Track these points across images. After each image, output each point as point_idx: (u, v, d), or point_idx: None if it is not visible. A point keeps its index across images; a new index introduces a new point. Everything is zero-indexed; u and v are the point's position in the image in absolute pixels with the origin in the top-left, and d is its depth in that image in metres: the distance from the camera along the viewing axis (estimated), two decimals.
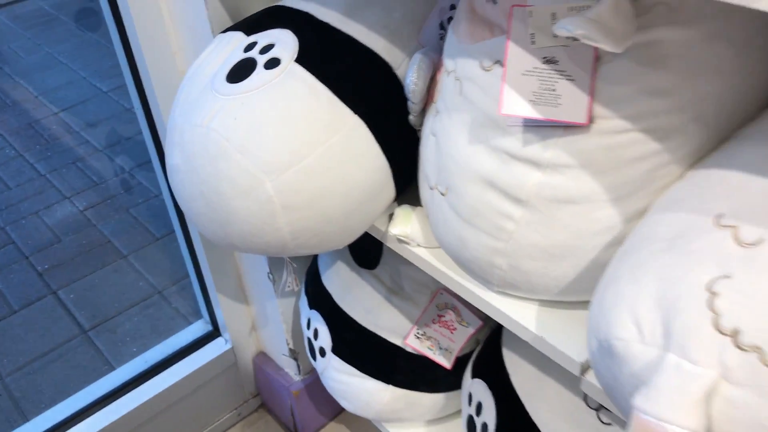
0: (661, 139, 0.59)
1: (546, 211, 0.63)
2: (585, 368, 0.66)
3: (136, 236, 1.96)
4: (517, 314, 0.71)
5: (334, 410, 1.44)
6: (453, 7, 0.81)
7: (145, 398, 1.30)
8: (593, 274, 0.62)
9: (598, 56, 0.58)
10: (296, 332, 1.27)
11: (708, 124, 0.60)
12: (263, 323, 1.34)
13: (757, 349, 0.45)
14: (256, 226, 0.77)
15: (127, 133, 2.34)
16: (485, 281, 0.72)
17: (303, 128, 0.73)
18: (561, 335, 0.68)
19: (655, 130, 0.58)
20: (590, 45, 0.55)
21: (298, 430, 1.40)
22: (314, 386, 1.35)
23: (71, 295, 1.79)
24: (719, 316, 0.47)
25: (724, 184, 0.54)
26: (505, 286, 0.70)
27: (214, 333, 1.38)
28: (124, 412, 1.28)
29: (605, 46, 0.53)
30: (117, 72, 2.65)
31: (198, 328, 1.41)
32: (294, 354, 1.30)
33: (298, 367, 1.32)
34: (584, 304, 0.65)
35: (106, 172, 2.21)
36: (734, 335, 0.46)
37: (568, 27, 0.53)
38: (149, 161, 2.23)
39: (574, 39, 0.55)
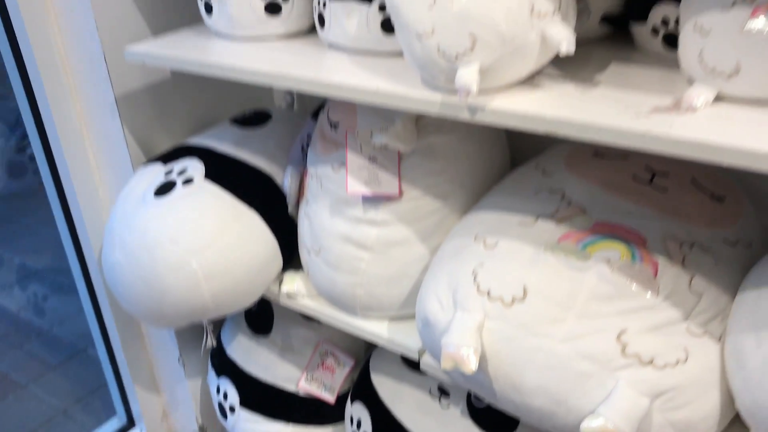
0: (442, 200, 0.98)
1: (384, 252, 1.00)
2: (421, 353, 1.01)
3: (33, 366, 2.11)
4: (375, 329, 1.05)
5: None
6: (309, 136, 1.19)
7: None
8: (417, 291, 0.99)
9: (400, 155, 0.97)
10: (203, 409, 1.52)
11: (468, 189, 1.01)
12: (174, 408, 1.57)
13: (500, 299, 0.82)
14: (184, 296, 1.06)
15: (15, 277, 2.49)
16: (352, 309, 1.06)
17: (215, 220, 1.06)
18: (403, 337, 1.03)
19: (437, 195, 0.98)
20: (393, 148, 0.95)
21: None
22: None
23: None
24: (479, 284, 0.83)
25: (479, 219, 0.94)
26: (365, 310, 1.05)
27: (129, 425, 1.59)
28: None
29: (401, 149, 0.93)
30: None
31: (113, 424, 1.60)
32: (203, 429, 1.53)
33: None
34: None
35: None
36: (488, 293, 0.83)
37: (379, 139, 0.93)
38: (35, 301, 2.39)
39: (384, 146, 0.95)
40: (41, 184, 1.37)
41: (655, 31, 0.84)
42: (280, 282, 1.15)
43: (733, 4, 0.67)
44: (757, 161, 0.61)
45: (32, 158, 1.37)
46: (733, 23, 0.67)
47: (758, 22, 0.66)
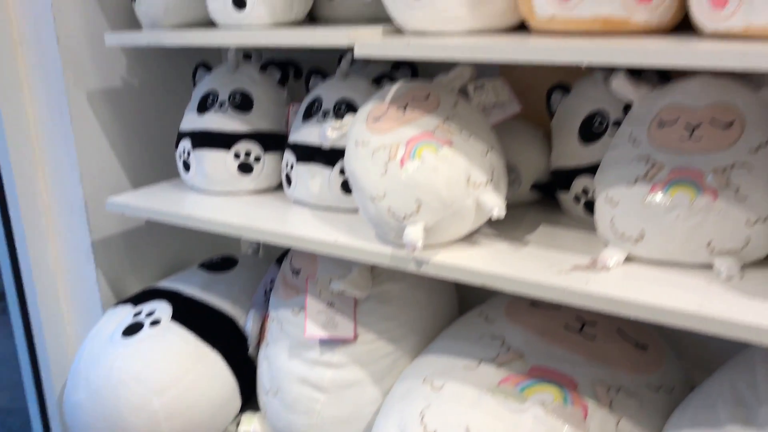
0: (395, 343, 1.06)
1: (338, 393, 1.06)
2: None
3: None
4: None
5: None
6: (273, 281, 1.27)
7: None
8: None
9: (356, 301, 1.06)
10: None
11: (419, 333, 1.09)
12: None
13: None
14: None
15: None
16: None
17: (178, 361, 1.12)
18: None
19: (390, 339, 1.06)
20: (350, 294, 1.04)
21: None
22: None
23: None
24: (426, 425, 0.90)
25: (428, 362, 1.01)
26: None
27: None
28: None
29: (356, 295, 1.02)
30: None
31: None
32: None
33: None
34: None
35: None
36: None
37: (336, 286, 1.02)
38: None
39: (342, 292, 1.04)
40: (6, 322, 1.41)
41: (577, 198, 0.97)
42: (238, 423, 1.19)
43: (636, 181, 0.80)
44: (658, 315, 0.71)
45: (1, 296, 1.43)
46: (636, 197, 0.80)
47: (656, 197, 0.78)
